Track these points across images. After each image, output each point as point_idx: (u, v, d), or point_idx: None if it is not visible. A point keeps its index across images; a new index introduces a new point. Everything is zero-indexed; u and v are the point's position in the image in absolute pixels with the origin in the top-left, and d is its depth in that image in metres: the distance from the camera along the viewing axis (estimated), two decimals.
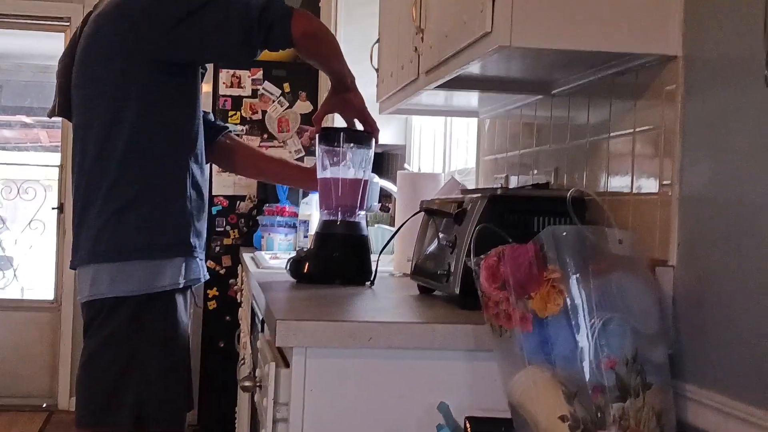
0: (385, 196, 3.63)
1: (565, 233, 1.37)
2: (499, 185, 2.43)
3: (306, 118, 4.57)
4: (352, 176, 2.31)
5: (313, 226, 3.16)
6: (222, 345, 4.51)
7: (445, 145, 3.53)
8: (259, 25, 2.12)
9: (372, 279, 2.22)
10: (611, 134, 1.79)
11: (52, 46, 5.50)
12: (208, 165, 2.52)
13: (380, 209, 3.68)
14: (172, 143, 2.23)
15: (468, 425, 1.46)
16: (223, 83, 4.58)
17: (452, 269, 1.79)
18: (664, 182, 1.56)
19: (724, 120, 1.39)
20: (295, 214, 3.86)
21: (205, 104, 4.46)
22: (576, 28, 1.53)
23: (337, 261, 2.25)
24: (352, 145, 2.30)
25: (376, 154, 2.42)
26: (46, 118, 6.22)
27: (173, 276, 2.21)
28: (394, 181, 2.86)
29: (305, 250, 2.40)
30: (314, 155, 4.11)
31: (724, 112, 1.39)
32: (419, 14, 2.08)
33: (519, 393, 1.37)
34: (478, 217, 1.74)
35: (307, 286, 2.17)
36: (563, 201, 1.56)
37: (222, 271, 4.57)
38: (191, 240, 2.24)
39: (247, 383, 1.75)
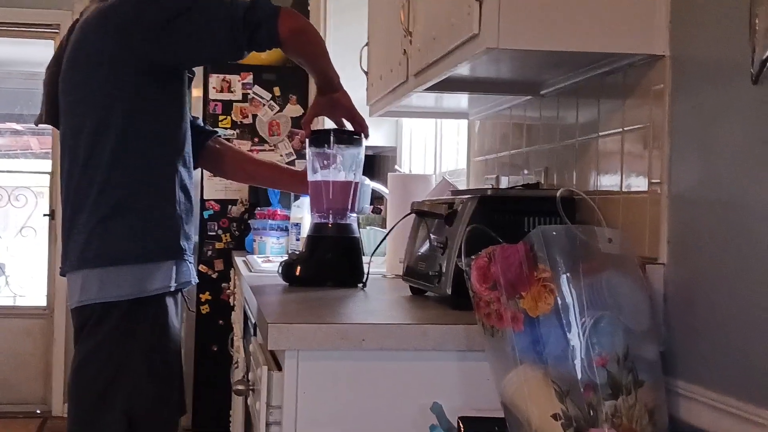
0: (376, 198, 3.63)
1: (555, 233, 1.38)
2: (490, 186, 2.44)
3: (296, 122, 4.57)
4: (343, 179, 2.32)
5: (305, 230, 3.17)
6: (215, 349, 4.51)
7: (435, 146, 3.54)
8: (245, 25, 2.12)
9: (364, 281, 2.23)
10: (600, 134, 1.80)
11: (41, 53, 5.49)
12: (199, 169, 2.52)
13: (372, 211, 3.69)
14: (160, 147, 2.23)
15: (461, 425, 1.47)
16: (213, 88, 4.58)
17: (444, 270, 1.80)
18: (654, 181, 1.56)
19: (712, 118, 1.40)
20: (287, 218, 3.86)
21: (196, 109, 4.47)
22: (563, 29, 1.53)
23: (328, 263, 2.25)
24: (343, 145, 2.30)
25: (366, 156, 2.43)
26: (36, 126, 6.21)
27: (164, 279, 2.20)
28: (386, 183, 2.87)
29: (297, 253, 2.40)
30: (305, 158, 4.12)
31: (711, 111, 1.40)
32: (407, 17, 2.09)
33: (511, 392, 1.37)
34: (468, 218, 1.75)
35: (299, 288, 2.18)
36: (553, 201, 1.57)
37: (214, 275, 4.56)
38: (181, 243, 2.24)
39: (240, 387, 1.75)
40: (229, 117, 4.58)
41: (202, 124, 2.59)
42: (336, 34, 3.85)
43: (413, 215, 2.12)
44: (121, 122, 2.18)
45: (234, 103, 4.59)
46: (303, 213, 3.46)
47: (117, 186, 2.19)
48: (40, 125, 2.48)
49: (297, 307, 1.90)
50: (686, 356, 1.44)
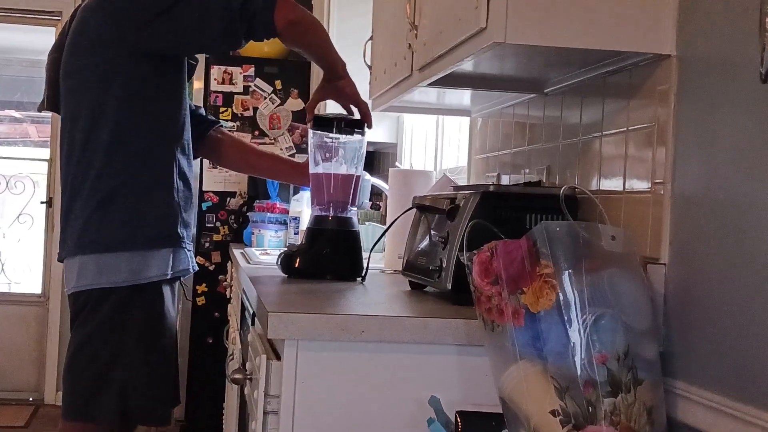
0: (375, 194, 3.63)
1: (558, 229, 1.37)
2: (492, 182, 2.44)
3: (297, 116, 4.57)
4: (344, 172, 2.32)
5: (304, 223, 3.17)
6: (210, 341, 4.50)
7: (436, 143, 3.54)
8: (241, 15, 2.12)
9: (363, 275, 2.23)
10: (604, 133, 1.80)
11: (42, 40, 5.48)
12: (199, 161, 2.51)
13: (371, 207, 3.69)
14: (158, 134, 2.23)
15: (458, 419, 1.47)
16: (215, 79, 4.57)
17: (444, 265, 1.79)
18: (657, 181, 1.56)
19: (718, 119, 1.40)
20: (286, 211, 3.85)
21: (197, 100, 4.47)
22: (570, 26, 1.53)
23: (328, 256, 2.25)
24: (344, 133, 2.28)
25: (367, 152, 2.42)
26: (35, 113, 6.20)
27: (160, 267, 2.20)
28: (385, 180, 2.86)
29: (296, 245, 2.40)
30: (305, 152, 4.12)
31: (717, 111, 1.40)
32: (413, 11, 2.09)
33: (510, 387, 1.37)
34: (470, 213, 1.75)
35: (298, 280, 2.18)
36: (556, 198, 1.57)
37: (211, 267, 4.56)
38: (179, 230, 2.24)
39: (237, 375, 1.75)
40: (229, 109, 4.57)
41: (204, 114, 2.59)
42: (339, 27, 3.85)
43: (413, 210, 2.12)
44: (117, 108, 2.18)
45: (235, 96, 4.58)
46: (302, 207, 3.45)
47: (114, 172, 2.19)
48: (41, 112, 2.47)
49: (296, 297, 1.90)
50: (685, 356, 1.44)
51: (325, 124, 2.31)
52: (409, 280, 2.07)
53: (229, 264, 4.20)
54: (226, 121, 4.51)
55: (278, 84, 4.60)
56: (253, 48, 4.67)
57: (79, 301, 2.23)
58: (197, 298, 4.55)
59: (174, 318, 2.31)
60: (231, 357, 2.84)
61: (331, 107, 2.47)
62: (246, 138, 4.45)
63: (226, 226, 4.59)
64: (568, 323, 1.32)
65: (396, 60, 2.29)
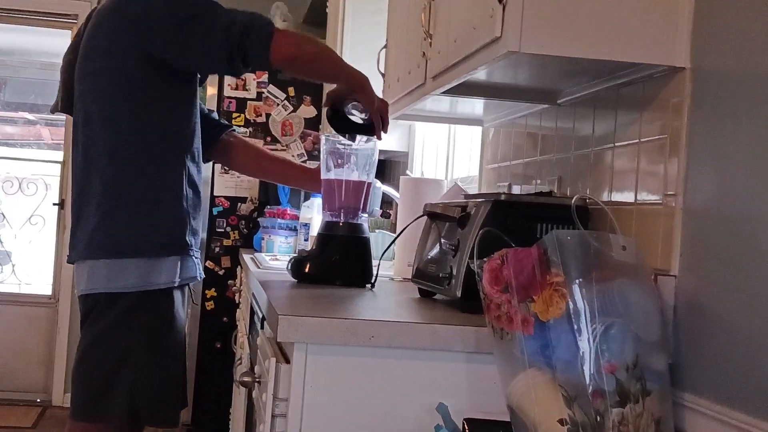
0: (386, 202, 3.63)
1: (569, 238, 1.38)
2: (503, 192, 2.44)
3: (310, 123, 4.58)
4: (356, 178, 2.32)
5: (314, 230, 3.18)
6: (218, 346, 4.51)
7: (448, 153, 3.54)
8: (238, 47, 2.12)
9: (373, 281, 2.23)
10: (616, 144, 1.80)
11: (57, 43, 5.51)
12: (211, 165, 2.53)
13: (381, 215, 3.69)
14: (167, 142, 2.24)
15: (466, 427, 1.47)
16: (228, 85, 4.59)
17: (454, 272, 1.80)
18: (669, 193, 1.57)
19: (730, 132, 1.40)
20: (296, 217, 3.86)
21: (210, 106, 4.48)
22: (585, 37, 1.54)
23: (338, 262, 2.25)
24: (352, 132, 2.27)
25: (378, 160, 2.43)
26: (49, 116, 6.23)
27: (169, 274, 2.21)
28: (397, 188, 2.87)
29: (306, 251, 2.41)
30: (317, 159, 4.13)
31: (730, 124, 1.40)
32: (428, 19, 2.10)
33: (518, 396, 1.37)
34: (481, 221, 1.75)
35: (308, 285, 2.18)
36: (567, 208, 1.57)
37: (221, 272, 4.57)
38: (187, 238, 2.25)
39: (246, 378, 1.76)
40: (242, 115, 4.59)
41: (216, 118, 2.60)
42: (353, 35, 3.87)
43: (424, 218, 2.12)
44: (127, 115, 2.20)
45: (248, 101, 4.60)
46: (312, 213, 3.46)
47: (123, 178, 2.20)
48: (54, 114, 2.49)
49: (306, 302, 1.90)
50: (694, 369, 1.44)
51: (341, 115, 2.27)
52: (419, 288, 2.07)
53: (238, 269, 4.20)
54: (239, 126, 4.53)
55: (291, 91, 4.62)
56: None
57: (88, 302, 2.25)
58: (206, 303, 4.56)
59: (183, 320, 2.32)
60: (239, 361, 2.85)
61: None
62: (258, 144, 4.46)
63: (236, 231, 4.60)
64: (577, 332, 1.32)
65: (410, 68, 2.29)
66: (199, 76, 2.34)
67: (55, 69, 2.54)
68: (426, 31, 2.10)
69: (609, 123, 1.84)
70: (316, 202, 3.35)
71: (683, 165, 1.52)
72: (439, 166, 3.67)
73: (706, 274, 1.43)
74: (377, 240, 3.09)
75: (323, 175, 2.36)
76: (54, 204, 5.68)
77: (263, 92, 4.61)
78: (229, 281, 4.41)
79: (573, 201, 1.56)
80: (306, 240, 3.45)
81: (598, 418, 1.30)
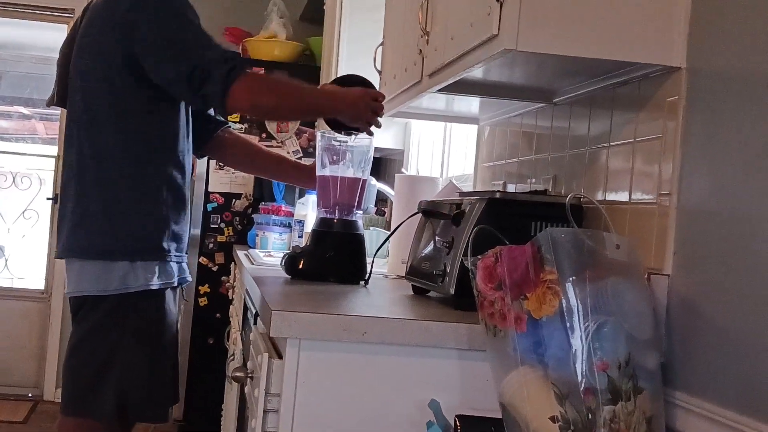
0: (381, 200, 3.64)
1: (563, 236, 1.38)
2: (499, 189, 2.44)
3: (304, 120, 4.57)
4: (351, 175, 2.32)
5: (308, 226, 3.18)
6: (211, 342, 4.51)
7: (443, 151, 3.54)
8: (198, 86, 2.12)
9: (366, 278, 2.23)
10: (611, 144, 1.80)
11: (53, 37, 5.49)
12: (206, 161, 2.52)
13: (376, 213, 3.69)
14: (148, 147, 2.23)
15: (458, 423, 1.47)
16: None
17: (448, 270, 1.80)
18: (663, 192, 1.57)
19: (726, 132, 1.40)
20: (291, 214, 3.86)
21: None
22: (582, 35, 1.54)
23: (332, 259, 2.25)
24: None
25: (374, 157, 2.43)
26: (44, 110, 6.21)
27: (146, 278, 2.21)
28: (392, 186, 2.87)
29: (301, 247, 2.41)
30: (312, 156, 4.12)
31: (725, 124, 1.41)
32: (425, 17, 2.10)
33: (510, 393, 1.37)
34: (476, 219, 1.75)
35: (302, 282, 2.18)
36: (562, 206, 1.57)
37: (215, 268, 4.56)
38: (164, 244, 2.23)
39: (238, 374, 1.76)
40: None
41: (212, 114, 2.60)
42: (350, 32, 3.86)
43: (419, 215, 2.12)
44: (109, 117, 2.20)
45: None
46: (307, 210, 3.46)
47: (105, 181, 2.20)
48: (50, 107, 2.48)
49: (300, 297, 1.90)
50: (686, 368, 1.44)
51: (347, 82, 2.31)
52: (413, 285, 2.07)
53: (232, 265, 4.20)
54: (234, 123, 4.52)
55: None
56: (263, 51, 4.69)
57: (77, 301, 2.26)
58: (199, 299, 4.55)
59: (175, 316, 2.31)
60: (231, 357, 2.85)
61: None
62: (253, 140, 4.46)
63: (230, 228, 4.60)
64: (570, 330, 1.32)
65: (406, 65, 2.29)
66: None
67: (50, 63, 2.53)
68: (423, 29, 2.10)
69: (604, 122, 1.85)
70: (311, 198, 3.35)
71: (678, 165, 1.53)
72: (435, 164, 3.68)
73: (700, 273, 1.44)
74: (371, 237, 3.10)
75: (318, 172, 2.36)
76: (48, 199, 5.67)
77: None
78: (223, 277, 4.40)
79: (567, 199, 1.56)
80: (300, 237, 3.45)
81: (590, 416, 1.30)
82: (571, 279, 1.34)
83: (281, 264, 2.29)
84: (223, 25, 5.02)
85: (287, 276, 2.25)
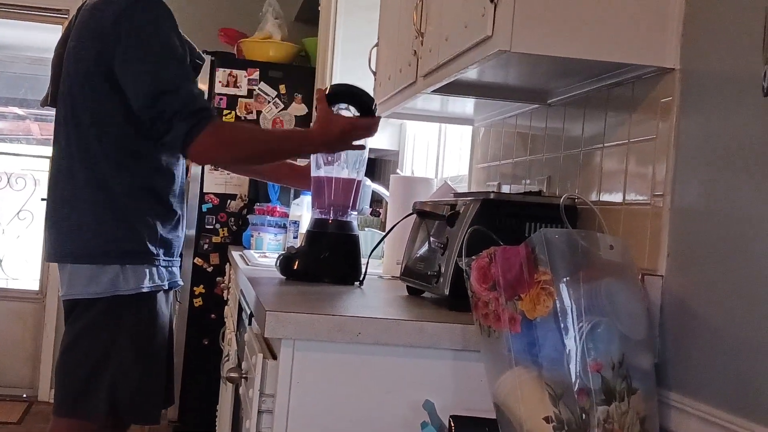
0: (376, 201, 3.64)
1: (557, 236, 1.38)
2: (493, 189, 2.44)
3: (301, 121, 4.58)
4: (346, 176, 2.32)
5: (303, 227, 3.17)
6: (206, 343, 4.50)
7: (438, 152, 3.55)
8: (164, 132, 2.12)
9: (361, 279, 2.23)
10: (605, 145, 1.81)
11: (47, 38, 5.48)
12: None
13: (371, 213, 3.69)
14: (128, 154, 2.21)
15: (452, 424, 1.47)
16: (219, 82, 4.58)
17: (442, 270, 1.80)
18: (657, 193, 1.57)
19: (719, 133, 1.41)
20: (286, 215, 3.86)
21: None
22: (576, 37, 1.54)
23: (327, 259, 2.25)
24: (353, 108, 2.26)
25: (369, 158, 2.43)
26: (38, 111, 6.21)
27: (136, 281, 2.21)
28: (386, 187, 2.87)
29: (295, 247, 2.41)
30: (307, 158, 4.12)
31: (719, 125, 1.41)
32: (420, 18, 2.10)
33: (504, 393, 1.38)
34: (470, 220, 1.76)
35: (297, 282, 2.18)
36: (556, 207, 1.58)
37: (209, 269, 4.56)
38: (151, 248, 2.23)
39: (233, 374, 1.76)
40: (233, 112, 4.58)
41: None
42: (345, 33, 3.87)
43: (413, 216, 2.13)
44: (91, 123, 2.20)
45: (239, 98, 4.59)
46: (302, 211, 3.46)
47: (92, 186, 2.20)
48: (44, 107, 2.48)
49: (294, 298, 1.90)
50: (680, 368, 1.45)
51: (339, 95, 2.28)
52: (407, 286, 2.08)
53: (227, 266, 4.20)
54: None
55: (282, 88, 4.61)
56: (258, 52, 4.69)
57: (70, 303, 2.26)
58: (194, 300, 4.55)
59: (167, 317, 2.31)
60: (226, 358, 2.85)
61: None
62: None
63: (225, 228, 4.59)
64: (564, 331, 1.33)
65: (401, 66, 2.30)
66: (193, 69, 2.33)
67: (44, 64, 2.53)
68: (417, 30, 2.10)
69: (598, 123, 1.85)
70: (306, 199, 3.35)
71: (671, 166, 1.53)
72: (430, 165, 3.68)
73: (693, 274, 1.44)
74: (366, 238, 3.10)
75: (313, 173, 2.36)
76: (42, 199, 5.64)
77: (254, 89, 4.60)
78: (218, 278, 4.40)
79: (561, 200, 1.56)
80: (295, 237, 3.45)
81: (584, 416, 1.30)
82: (565, 280, 1.34)
83: (276, 265, 2.29)
84: (218, 25, 5.02)
85: (282, 277, 2.25)
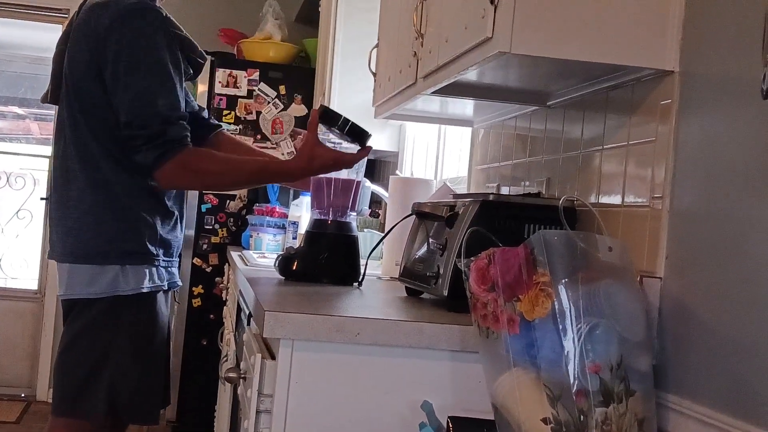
0: (375, 202, 3.64)
1: (555, 238, 1.38)
2: (492, 191, 2.45)
3: (300, 121, 4.58)
4: (345, 177, 2.32)
5: (303, 228, 3.17)
6: (204, 343, 4.50)
7: (437, 153, 3.55)
8: (135, 151, 2.13)
9: (360, 280, 2.24)
10: (604, 147, 1.81)
11: (47, 37, 5.48)
12: None
13: (370, 215, 3.70)
14: (125, 155, 2.21)
15: (450, 425, 1.47)
16: (219, 82, 4.58)
17: (441, 272, 1.80)
18: (656, 195, 1.57)
19: (718, 135, 1.41)
20: (285, 215, 3.86)
21: (200, 102, 4.47)
22: (575, 39, 1.54)
23: (326, 260, 2.25)
24: (347, 135, 2.21)
25: (368, 159, 2.43)
26: (38, 110, 6.21)
27: (137, 282, 2.21)
28: (386, 187, 2.87)
29: (295, 248, 2.41)
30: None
31: (718, 128, 1.41)
32: (420, 19, 2.10)
33: (503, 394, 1.38)
34: (469, 221, 1.76)
35: (296, 283, 2.18)
36: (555, 209, 1.58)
37: (208, 269, 4.56)
38: (151, 248, 2.23)
39: (231, 374, 1.76)
40: (233, 112, 4.59)
41: (207, 117, 2.59)
42: (346, 34, 3.87)
43: (412, 217, 2.13)
44: (87, 123, 2.19)
45: (239, 99, 4.59)
46: (301, 211, 3.46)
47: (92, 186, 2.20)
48: (45, 103, 2.47)
49: (293, 298, 1.90)
50: (678, 370, 1.45)
51: (331, 118, 2.22)
52: (406, 286, 2.08)
53: (226, 266, 4.20)
54: (229, 124, 4.52)
55: (282, 89, 4.61)
56: (258, 52, 4.69)
57: (69, 303, 2.25)
58: (193, 300, 4.55)
59: (166, 317, 2.31)
60: (225, 359, 2.85)
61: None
62: (248, 142, 4.46)
63: (224, 229, 4.60)
64: (562, 332, 1.33)
65: (401, 67, 2.30)
66: (194, 68, 2.33)
67: (44, 63, 2.54)
68: (417, 31, 2.10)
69: (598, 125, 1.85)
70: (305, 200, 3.35)
71: (670, 168, 1.53)
72: (429, 166, 3.68)
73: (692, 276, 1.44)
74: (365, 239, 3.10)
75: None
76: (42, 199, 5.67)
77: (254, 90, 4.60)
78: (217, 278, 4.40)
79: (560, 202, 1.56)
80: (294, 238, 3.45)
81: (582, 418, 1.31)
82: (563, 281, 1.34)
83: (275, 265, 2.29)
84: (218, 26, 5.02)
85: (281, 277, 2.25)
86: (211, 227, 4.59)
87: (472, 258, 1.44)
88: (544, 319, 1.34)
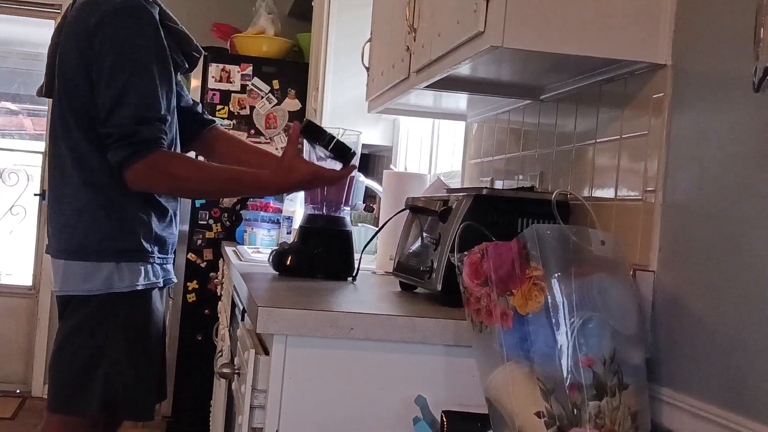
0: (369, 196, 3.64)
1: (548, 232, 1.38)
2: (486, 185, 2.45)
3: (294, 116, 4.57)
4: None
5: (297, 223, 3.18)
6: (199, 338, 4.50)
7: (431, 147, 3.55)
8: (107, 148, 2.12)
9: (354, 274, 2.24)
10: (597, 140, 1.81)
11: (40, 33, 5.47)
12: (194, 156, 2.51)
13: (364, 209, 3.70)
14: None
15: (444, 419, 1.47)
16: (212, 77, 4.57)
17: (435, 266, 1.80)
18: (648, 189, 1.58)
19: (710, 129, 1.41)
20: (279, 210, 3.86)
21: (194, 97, 4.46)
22: (568, 33, 1.54)
23: (320, 255, 2.26)
24: (328, 152, 2.19)
25: (362, 154, 2.43)
26: (32, 106, 6.19)
27: (131, 279, 2.20)
28: (380, 182, 2.87)
29: (289, 243, 2.41)
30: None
31: (710, 121, 1.41)
32: (413, 14, 2.10)
33: (496, 388, 1.38)
34: (463, 215, 1.76)
35: (289, 278, 2.18)
36: (548, 203, 1.58)
37: (203, 265, 4.56)
38: (146, 245, 2.23)
39: (225, 370, 1.76)
40: (226, 107, 4.58)
41: (201, 112, 2.59)
42: (339, 29, 3.86)
43: (406, 211, 2.13)
44: (79, 120, 2.19)
45: (232, 94, 4.58)
46: (295, 206, 3.46)
47: (87, 183, 2.20)
48: (40, 97, 2.47)
49: (287, 294, 1.90)
50: (671, 363, 1.45)
51: (315, 134, 2.20)
52: (400, 281, 2.08)
53: (220, 261, 4.20)
54: (223, 119, 4.52)
55: (276, 84, 4.61)
56: (251, 47, 4.68)
57: (64, 299, 2.25)
58: (188, 295, 4.55)
59: (161, 313, 2.31)
60: (220, 354, 2.84)
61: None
62: (242, 137, 4.46)
63: (218, 224, 4.59)
64: (555, 326, 1.33)
65: (394, 62, 2.30)
66: (189, 62, 2.33)
67: (38, 59, 2.53)
68: (410, 25, 2.10)
69: (591, 119, 1.85)
70: (299, 195, 3.34)
71: (663, 161, 1.53)
72: (423, 161, 3.68)
73: (685, 269, 1.44)
74: (359, 233, 3.10)
75: None
76: (35, 194, 5.65)
77: (247, 85, 4.59)
78: (211, 274, 4.40)
79: (553, 196, 1.57)
80: (289, 233, 3.45)
81: (575, 411, 1.31)
82: (556, 275, 1.35)
83: (269, 260, 2.29)
84: (212, 20, 5.01)
85: (275, 272, 2.25)
86: (205, 222, 4.58)
87: (465, 252, 1.44)
88: (537, 313, 1.34)
